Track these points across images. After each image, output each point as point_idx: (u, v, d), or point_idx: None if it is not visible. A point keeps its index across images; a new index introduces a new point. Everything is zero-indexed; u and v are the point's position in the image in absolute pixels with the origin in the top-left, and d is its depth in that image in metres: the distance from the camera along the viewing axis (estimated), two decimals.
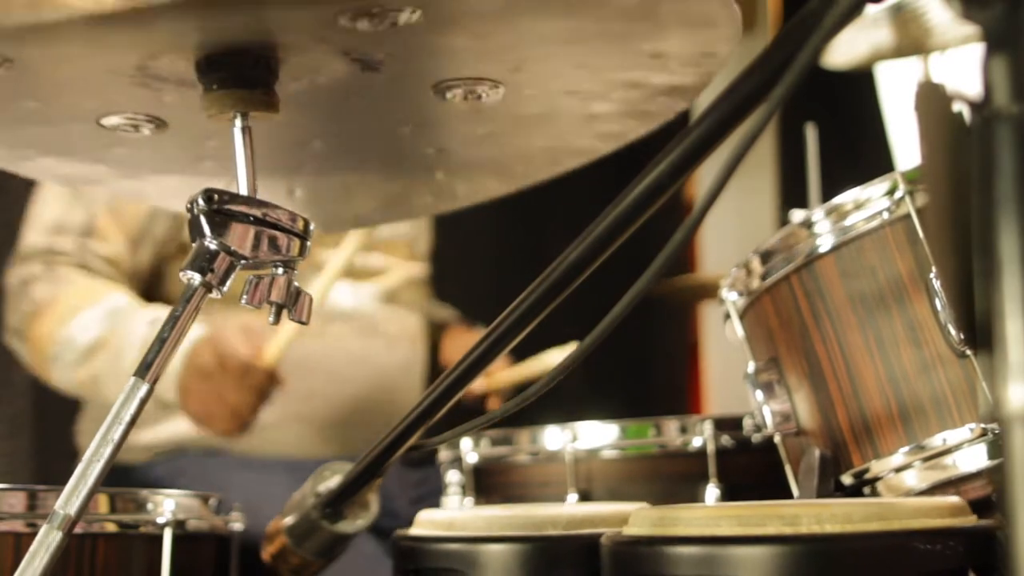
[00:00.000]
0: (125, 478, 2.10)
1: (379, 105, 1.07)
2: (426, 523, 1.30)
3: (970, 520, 1.06)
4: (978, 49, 0.64)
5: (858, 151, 3.14)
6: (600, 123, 1.14)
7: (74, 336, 2.05)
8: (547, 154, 1.22)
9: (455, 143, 1.19)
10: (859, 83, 3.09)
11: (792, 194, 2.39)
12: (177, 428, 2.12)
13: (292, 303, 1.04)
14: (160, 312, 2.06)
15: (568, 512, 1.25)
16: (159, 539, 1.33)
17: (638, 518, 1.09)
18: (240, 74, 0.97)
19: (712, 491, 1.47)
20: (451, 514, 1.31)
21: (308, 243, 1.04)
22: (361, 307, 2.22)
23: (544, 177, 1.27)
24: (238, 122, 1.00)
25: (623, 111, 1.11)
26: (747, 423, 1.49)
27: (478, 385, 2.31)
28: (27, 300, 2.11)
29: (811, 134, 2.05)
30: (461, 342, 2.45)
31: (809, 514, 0.99)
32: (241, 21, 0.91)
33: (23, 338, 2.12)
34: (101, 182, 1.25)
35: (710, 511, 1.07)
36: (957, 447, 1.17)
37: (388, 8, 0.87)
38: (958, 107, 0.68)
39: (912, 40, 1.87)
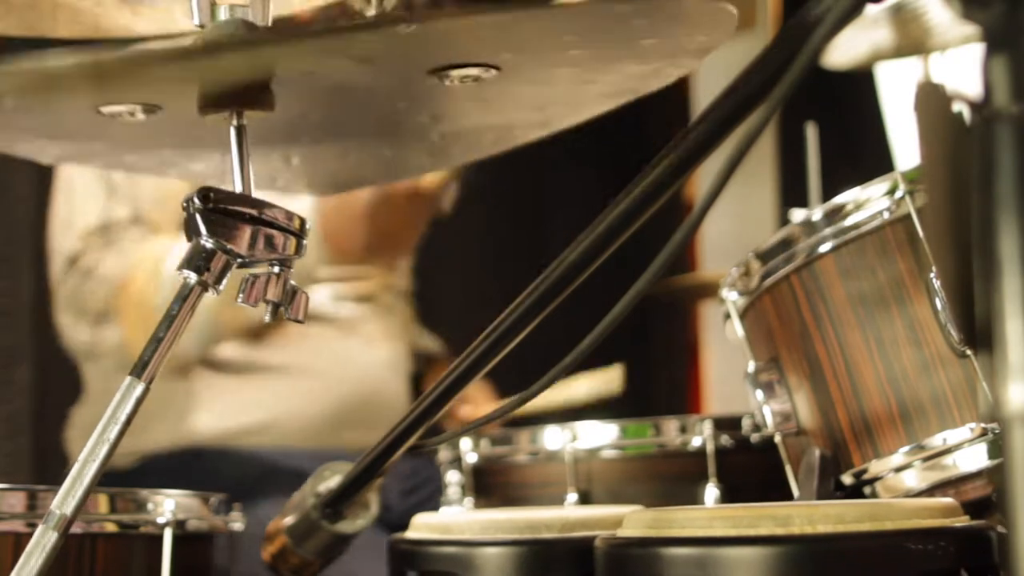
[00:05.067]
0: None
1: (375, 86, 1.08)
2: (422, 527, 1.30)
3: (962, 520, 1.06)
4: (978, 49, 0.64)
5: (858, 151, 3.14)
6: (596, 88, 1.14)
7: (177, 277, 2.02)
8: (542, 115, 1.22)
9: (450, 111, 1.19)
10: (859, 83, 3.09)
11: (792, 194, 2.39)
12: (163, 434, 2.12)
13: (288, 301, 1.04)
14: None
15: (563, 515, 1.26)
16: (159, 539, 1.32)
17: (632, 520, 1.10)
18: None
19: (712, 491, 1.47)
20: (447, 517, 1.32)
21: (304, 241, 1.03)
22: (340, 309, 2.23)
23: (539, 136, 1.28)
24: (233, 121, 1.00)
25: (620, 79, 1.12)
26: (747, 423, 1.49)
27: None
28: (99, 283, 2.07)
29: (811, 133, 2.04)
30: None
31: (802, 515, 1.00)
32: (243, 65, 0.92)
33: (111, 317, 2.07)
34: (96, 157, 1.25)
35: (704, 513, 1.08)
36: (957, 447, 1.17)
37: (387, 21, 0.87)
38: (958, 107, 0.68)
39: (912, 40, 1.87)
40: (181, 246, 2.10)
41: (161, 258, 2.05)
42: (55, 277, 2.14)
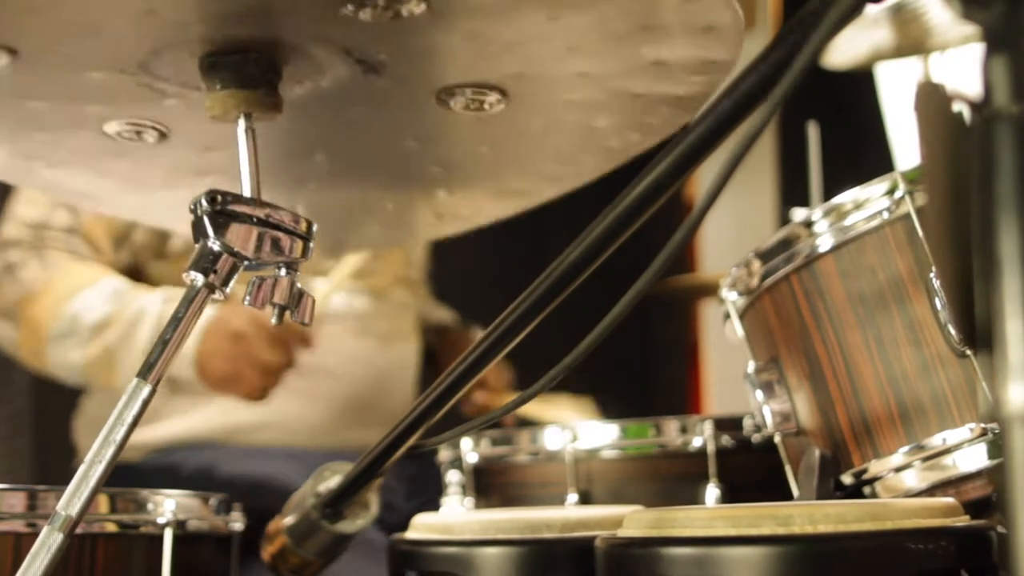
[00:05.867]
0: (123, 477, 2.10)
1: (382, 113, 1.08)
2: (422, 527, 1.31)
3: (963, 520, 1.06)
4: (978, 49, 0.64)
5: (858, 151, 3.14)
6: (601, 137, 1.14)
7: (79, 314, 2.03)
8: (548, 171, 1.23)
9: (458, 158, 1.19)
10: (859, 83, 3.09)
11: (792, 193, 2.39)
12: (171, 428, 2.13)
13: (295, 304, 1.04)
14: (173, 292, 2.06)
15: (563, 515, 1.26)
16: (159, 539, 1.32)
17: (633, 520, 1.10)
18: (243, 74, 0.98)
19: (712, 491, 1.47)
20: (447, 518, 1.32)
21: (311, 244, 1.04)
22: (352, 307, 2.23)
23: (545, 198, 1.28)
24: (241, 123, 1.00)
25: (625, 123, 1.12)
26: (747, 423, 1.49)
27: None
28: (16, 283, 2.09)
29: (812, 133, 2.04)
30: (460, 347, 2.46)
31: (802, 514, 1.00)
32: (244, 7, 0.91)
33: (15, 319, 2.10)
34: (106, 198, 1.26)
35: (704, 512, 1.08)
36: (957, 447, 1.17)
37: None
38: (958, 107, 0.68)
39: (912, 40, 1.87)
40: (99, 289, 2.13)
41: (72, 293, 2.06)
42: None
